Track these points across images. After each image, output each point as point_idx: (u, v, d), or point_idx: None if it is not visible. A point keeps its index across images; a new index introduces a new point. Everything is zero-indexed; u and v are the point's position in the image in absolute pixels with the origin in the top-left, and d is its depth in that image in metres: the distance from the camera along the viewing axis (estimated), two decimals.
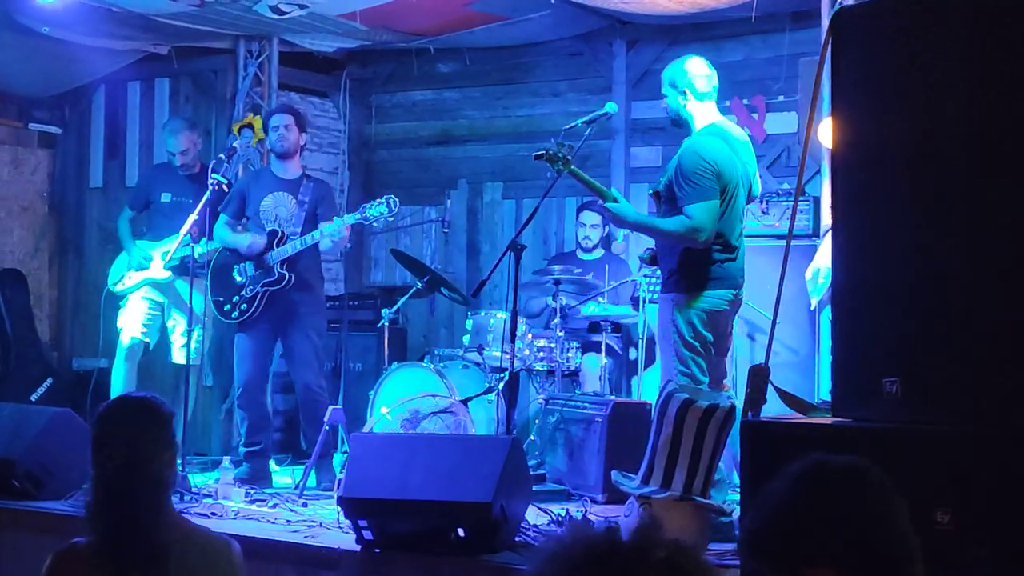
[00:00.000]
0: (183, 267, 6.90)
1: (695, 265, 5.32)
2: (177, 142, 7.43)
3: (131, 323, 7.29)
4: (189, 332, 6.66)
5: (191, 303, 6.58)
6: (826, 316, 6.56)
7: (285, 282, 6.63)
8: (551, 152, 5.41)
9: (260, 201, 6.70)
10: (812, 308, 6.65)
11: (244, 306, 6.67)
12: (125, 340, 7.26)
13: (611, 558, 1.36)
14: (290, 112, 6.94)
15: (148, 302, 7.33)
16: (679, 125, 5.56)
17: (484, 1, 7.56)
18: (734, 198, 5.36)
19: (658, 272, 7.17)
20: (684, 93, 5.46)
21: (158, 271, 7.24)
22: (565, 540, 1.43)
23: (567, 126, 5.82)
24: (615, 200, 5.45)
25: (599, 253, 8.03)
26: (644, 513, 4.66)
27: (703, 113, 5.49)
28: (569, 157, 5.42)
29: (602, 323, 7.32)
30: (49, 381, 8.48)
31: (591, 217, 7.94)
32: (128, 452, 2.95)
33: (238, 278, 6.70)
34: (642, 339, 7.35)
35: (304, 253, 6.63)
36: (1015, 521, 3.28)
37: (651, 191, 5.57)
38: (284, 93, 8.82)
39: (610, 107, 5.98)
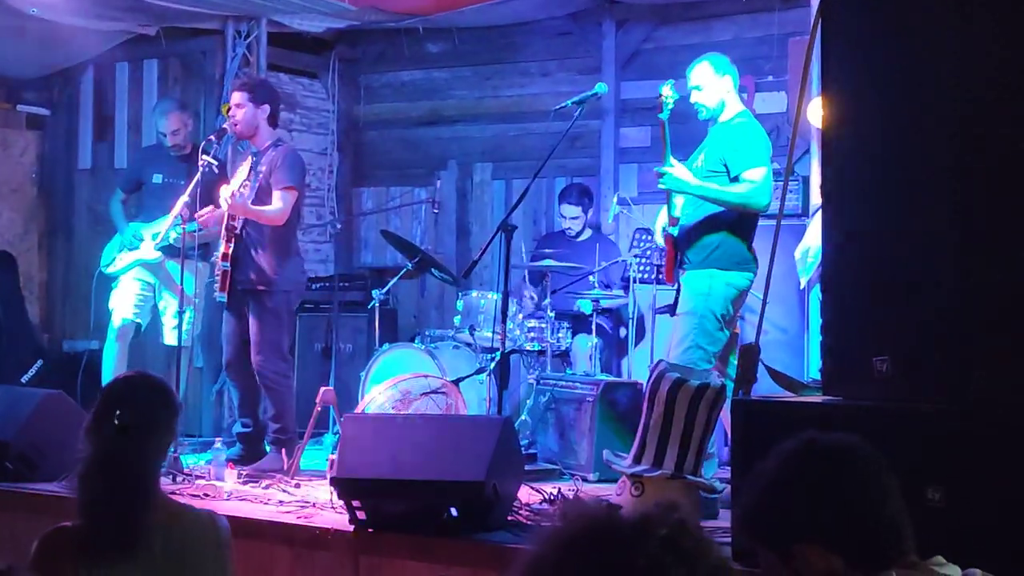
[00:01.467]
0: (173, 248, 6.88)
1: (735, 244, 5.50)
2: (167, 122, 7.41)
3: (123, 304, 7.28)
4: (180, 313, 6.65)
5: (182, 284, 6.57)
6: (815, 295, 6.59)
7: (230, 258, 6.38)
8: (665, 98, 5.55)
9: (247, 178, 6.60)
10: (801, 287, 6.67)
11: (217, 284, 6.52)
12: (116, 321, 7.26)
13: (611, 536, 1.37)
14: (242, 88, 6.59)
15: (140, 283, 7.32)
16: (707, 116, 5.72)
17: None
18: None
19: (648, 252, 7.25)
20: (728, 82, 5.68)
21: (148, 251, 7.23)
22: (565, 518, 1.44)
23: (558, 106, 5.83)
24: (672, 167, 5.54)
25: (588, 234, 8.04)
26: (650, 495, 4.68)
27: (735, 102, 5.71)
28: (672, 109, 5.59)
29: (593, 304, 7.33)
30: (40, 363, 8.47)
31: (571, 210, 7.95)
32: (130, 425, 2.95)
33: (213, 259, 6.63)
34: (632, 319, 7.37)
35: (248, 226, 6.41)
36: (1004, 497, 3.31)
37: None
38: (273, 74, 8.79)
39: (600, 88, 5.99)
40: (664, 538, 1.36)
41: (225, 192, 6.27)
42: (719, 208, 5.50)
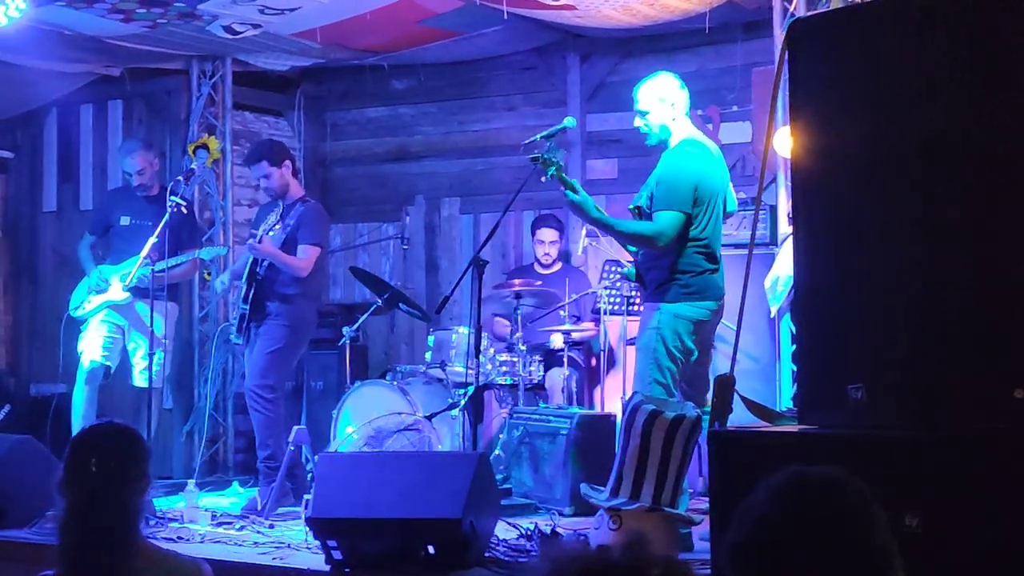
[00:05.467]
0: (141, 288, 6.86)
1: (683, 275, 5.35)
2: (133, 162, 7.37)
3: (91, 346, 7.21)
4: (151, 355, 6.61)
5: (152, 325, 6.54)
6: (786, 324, 6.62)
7: (249, 299, 6.68)
8: (545, 157, 5.38)
9: (273, 226, 6.71)
10: (772, 316, 6.70)
11: (236, 325, 6.82)
12: (86, 363, 7.18)
13: None
14: (258, 158, 6.86)
15: (108, 325, 7.26)
16: (654, 141, 5.57)
17: (437, 17, 7.55)
18: (716, 209, 5.40)
19: (619, 284, 7.25)
20: (672, 107, 5.50)
21: (117, 292, 7.17)
22: (556, 562, 1.43)
23: (527, 140, 5.83)
24: (577, 193, 5.37)
25: (558, 266, 8.05)
26: (628, 529, 4.66)
27: (682, 127, 5.53)
28: (561, 163, 5.43)
29: (564, 337, 7.33)
30: (7, 407, 8.38)
31: (549, 234, 7.97)
32: (106, 474, 2.93)
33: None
34: (604, 351, 7.38)
35: (270, 270, 6.67)
36: (982, 522, 3.32)
37: (631, 206, 5.57)
38: (238, 113, 8.79)
39: (569, 122, 6.00)
40: None
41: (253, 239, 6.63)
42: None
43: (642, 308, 5.65)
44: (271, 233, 6.58)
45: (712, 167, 5.45)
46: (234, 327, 6.84)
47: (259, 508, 6.20)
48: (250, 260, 6.72)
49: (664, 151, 5.53)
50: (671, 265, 5.35)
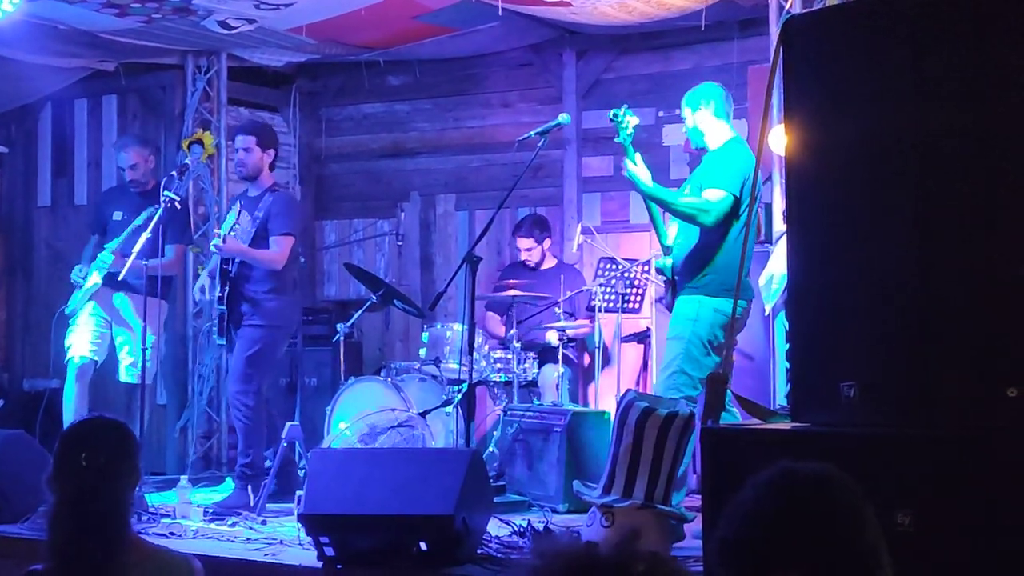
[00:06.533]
0: (113, 276, 6.85)
1: (725, 271, 5.46)
2: (127, 156, 7.36)
3: (80, 340, 7.18)
4: (144, 350, 6.59)
5: (145, 319, 6.52)
6: (780, 322, 6.62)
7: (225, 300, 6.51)
8: (622, 118, 5.54)
9: (236, 221, 6.65)
10: (766, 314, 6.69)
11: (216, 327, 6.68)
12: (76, 358, 7.14)
13: (591, 574, 1.36)
14: (251, 132, 6.77)
15: (96, 319, 7.23)
16: (694, 146, 5.84)
17: (433, 14, 7.55)
18: (752, 210, 5.47)
19: (613, 281, 7.26)
20: (702, 111, 5.71)
21: (92, 280, 7.10)
22: (542, 556, 1.43)
23: (522, 137, 5.83)
24: (635, 165, 5.55)
25: (552, 263, 8.04)
26: (621, 526, 4.66)
27: (721, 130, 5.71)
28: (632, 132, 5.59)
29: (559, 333, 7.33)
30: (0, 402, 8.38)
31: (524, 242, 8.00)
32: (96, 468, 2.92)
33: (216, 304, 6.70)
34: (598, 348, 7.37)
35: (242, 268, 6.53)
36: (974, 521, 3.32)
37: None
38: (233, 108, 8.78)
39: (563, 118, 6.02)
40: (643, 573, 1.34)
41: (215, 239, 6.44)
42: (707, 236, 5.50)
43: (666, 302, 5.76)
44: (233, 233, 6.43)
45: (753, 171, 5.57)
46: (215, 329, 6.72)
47: (230, 511, 6.14)
48: (219, 259, 6.60)
49: (708, 152, 5.71)
50: (713, 258, 5.48)
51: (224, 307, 6.52)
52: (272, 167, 6.77)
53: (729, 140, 5.68)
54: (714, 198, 5.44)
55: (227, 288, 6.50)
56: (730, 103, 5.79)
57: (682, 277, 5.61)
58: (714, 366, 5.46)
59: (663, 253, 5.79)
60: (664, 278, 5.83)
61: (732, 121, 5.79)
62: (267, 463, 6.60)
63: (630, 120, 5.53)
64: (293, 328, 6.91)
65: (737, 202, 5.44)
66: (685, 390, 5.30)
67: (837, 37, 3.79)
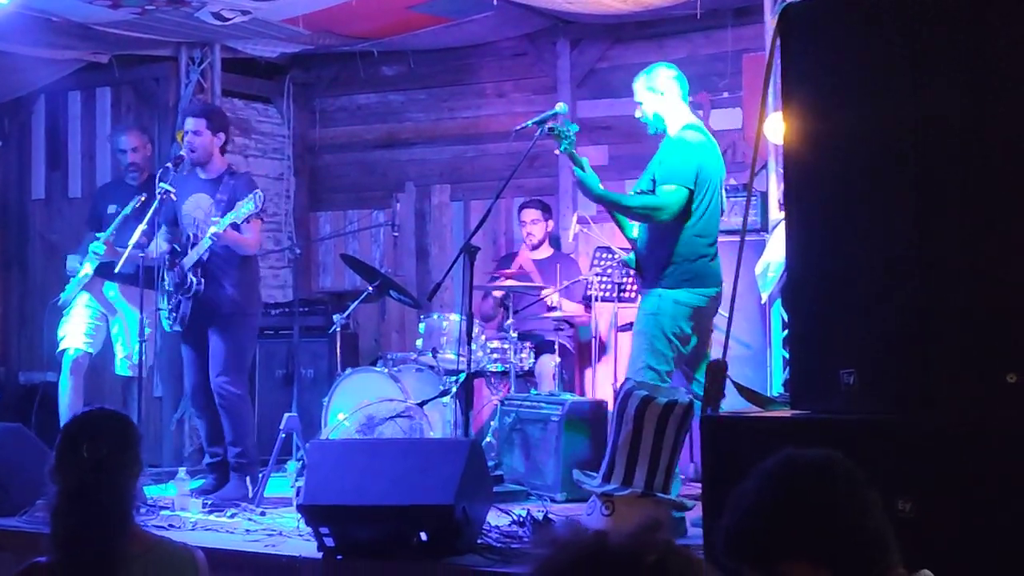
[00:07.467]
0: (104, 267, 6.85)
1: (686, 261, 5.42)
2: (128, 139, 7.35)
3: (74, 332, 7.17)
4: (142, 342, 6.57)
5: (142, 310, 6.50)
6: (777, 310, 6.63)
7: (195, 288, 6.34)
8: (560, 130, 5.52)
9: (182, 204, 6.57)
10: (763, 302, 6.70)
11: (174, 314, 6.46)
12: (70, 350, 7.13)
13: (601, 563, 1.36)
14: (201, 115, 6.62)
15: (91, 311, 7.22)
16: (653, 130, 5.69)
17: (427, 3, 7.54)
18: (715, 195, 5.46)
19: (610, 271, 7.26)
20: (663, 95, 5.60)
21: (84, 270, 7.08)
22: (553, 545, 1.43)
23: (518, 127, 5.83)
24: (584, 170, 5.53)
25: (548, 252, 8.04)
26: (620, 515, 4.67)
27: (679, 115, 5.62)
28: (574, 139, 5.56)
29: (555, 322, 7.33)
30: None
31: (531, 214, 7.98)
32: (98, 459, 2.91)
33: (168, 288, 6.54)
34: (595, 338, 7.38)
35: (215, 254, 6.38)
36: (974, 507, 3.33)
37: (634, 191, 5.65)
38: (227, 100, 8.75)
39: (560, 107, 6.00)
40: (655, 563, 1.34)
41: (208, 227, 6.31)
42: (664, 229, 5.45)
43: (639, 294, 5.68)
44: (214, 219, 6.26)
45: (713, 154, 5.57)
46: (174, 317, 6.48)
47: (228, 502, 6.13)
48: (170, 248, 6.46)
49: (664, 138, 5.60)
50: (671, 251, 5.41)
51: (191, 297, 6.35)
52: (223, 151, 6.63)
53: (684, 126, 5.58)
54: (668, 195, 5.38)
55: (201, 278, 6.35)
56: (687, 86, 5.73)
57: (645, 271, 5.58)
58: (681, 358, 5.43)
59: (630, 246, 5.77)
60: (633, 271, 5.82)
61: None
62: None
63: (566, 136, 5.48)
64: (260, 313, 6.86)
65: (692, 194, 5.38)
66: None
67: (834, 24, 3.80)
